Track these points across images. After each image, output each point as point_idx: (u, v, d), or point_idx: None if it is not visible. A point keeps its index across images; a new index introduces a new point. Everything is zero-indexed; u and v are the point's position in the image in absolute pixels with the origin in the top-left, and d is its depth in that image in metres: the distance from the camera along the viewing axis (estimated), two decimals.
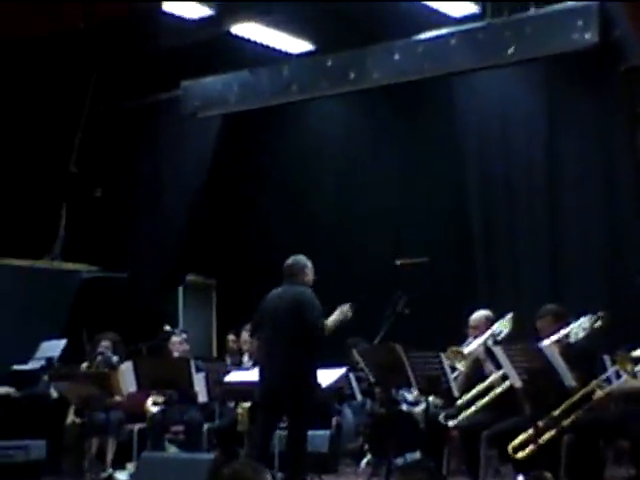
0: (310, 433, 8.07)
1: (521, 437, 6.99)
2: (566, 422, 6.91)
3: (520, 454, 6.95)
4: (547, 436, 6.88)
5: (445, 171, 11.64)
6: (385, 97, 11.67)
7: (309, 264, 8.05)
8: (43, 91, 11.88)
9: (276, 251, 12.25)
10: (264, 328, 8.03)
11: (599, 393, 7.04)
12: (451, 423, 7.77)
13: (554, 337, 7.25)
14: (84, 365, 9.82)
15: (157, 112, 12.48)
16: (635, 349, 6.72)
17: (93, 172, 12.64)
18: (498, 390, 7.73)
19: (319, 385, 8.07)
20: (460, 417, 7.77)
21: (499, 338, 8.03)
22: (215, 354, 12.87)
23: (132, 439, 9.44)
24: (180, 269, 13.14)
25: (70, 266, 12.42)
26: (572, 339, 7.36)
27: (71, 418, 9.46)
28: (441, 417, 7.84)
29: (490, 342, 7.97)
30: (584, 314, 7.44)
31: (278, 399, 7.78)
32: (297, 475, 7.76)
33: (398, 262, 8.43)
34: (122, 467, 8.51)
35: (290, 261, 8.06)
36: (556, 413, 6.93)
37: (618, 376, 6.96)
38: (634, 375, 6.69)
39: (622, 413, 7.20)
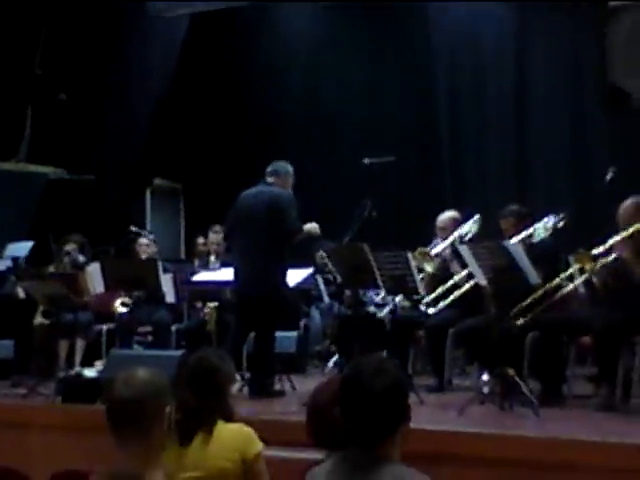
0: (278, 334, 8.18)
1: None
2: (529, 316, 7.02)
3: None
4: None
5: (415, 75, 11.61)
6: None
7: (292, 173, 8.08)
8: None
9: (243, 154, 12.26)
10: (238, 229, 8.06)
11: (562, 291, 7.16)
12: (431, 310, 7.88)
13: (518, 237, 7.32)
14: (51, 267, 9.78)
15: (123, 12, 12.22)
16: (596, 247, 6.79)
17: (58, 74, 12.42)
18: (464, 289, 7.84)
19: (288, 287, 8.14)
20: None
21: (466, 239, 8.10)
22: (183, 258, 12.87)
23: (100, 340, 9.49)
24: (147, 173, 13.06)
25: (36, 168, 12.30)
26: (536, 239, 7.43)
27: (39, 319, 9.43)
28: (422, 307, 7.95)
29: (457, 243, 8.05)
30: (548, 214, 7.52)
31: (251, 301, 7.85)
32: (265, 375, 7.86)
33: (367, 161, 8.40)
34: (91, 365, 8.55)
35: (276, 163, 8.09)
36: (519, 308, 7.02)
37: (581, 273, 7.04)
38: (594, 272, 6.78)
39: (586, 311, 7.32)
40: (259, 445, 3.96)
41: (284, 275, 7.96)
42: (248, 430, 3.97)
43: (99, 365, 8.34)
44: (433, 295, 7.99)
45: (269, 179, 8.02)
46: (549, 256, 7.30)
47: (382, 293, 9.00)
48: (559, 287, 7.20)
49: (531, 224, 7.51)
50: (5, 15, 11.66)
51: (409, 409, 2.88)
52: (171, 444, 3.76)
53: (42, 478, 4.23)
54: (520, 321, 7.00)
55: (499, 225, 7.74)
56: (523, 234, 7.39)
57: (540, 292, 7.07)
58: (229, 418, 3.99)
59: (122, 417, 2.98)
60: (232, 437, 3.91)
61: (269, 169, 8.05)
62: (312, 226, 7.99)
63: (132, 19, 12.18)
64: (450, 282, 7.97)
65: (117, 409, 2.99)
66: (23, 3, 11.80)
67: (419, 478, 2.79)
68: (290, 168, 8.10)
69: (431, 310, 7.96)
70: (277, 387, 7.98)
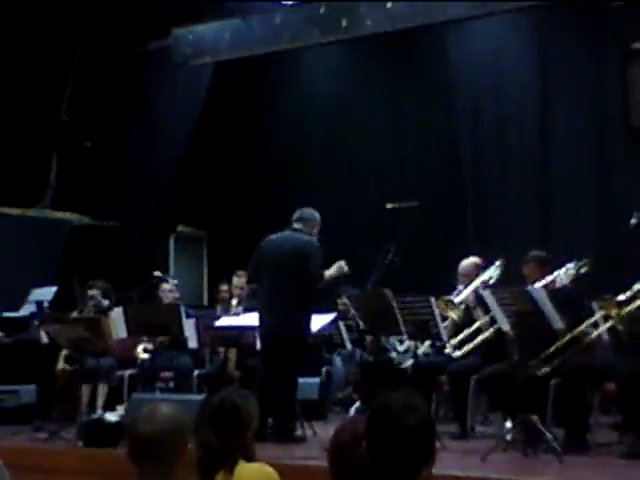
0: (300, 381, 8.19)
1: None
2: (552, 365, 6.97)
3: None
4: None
5: (437, 120, 11.61)
6: (378, 46, 11.62)
7: (319, 219, 8.11)
8: (34, 39, 11.82)
9: (267, 202, 12.30)
10: (264, 274, 8.06)
11: (586, 338, 7.11)
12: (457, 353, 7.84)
13: (540, 283, 7.29)
14: (74, 312, 9.79)
15: (148, 60, 12.41)
16: (620, 293, 6.75)
17: (84, 121, 12.56)
18: (486, 334, 7.79)
19: (311, 333, 8.14)
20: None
21: (489, 285, 8.06)
22: (206, 304, 12.89)
23: (123, 385, 9.48)
24: (170, 220, 13.13)
25: (60, 215, 12.40)
26: (558, 285, 7.40)
27: (62, 365, 9.45)
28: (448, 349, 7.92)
29: (480, 289, 8.01)
30: (571, 260, 7.49)
31: (275, 345, 7.86)
32: (287, 421, 7.83)
33: (389, 206, 8.44)
34: (112, 410, 8.55)
35: (304, 209, 8.12)
36: (543, 356, 6.98)
37: (605, 321, 6.99)
38: (620, 319, 6.73)
39: (609, 358, 7.26)
40: None
41: (308, 321, 7.96)
42: (269, 470, 3.94)
43: (120, 409, 8.34)
44: (458, 339, 7.94)
45: (296, 225, 8.04)
46: (572, 302, 7.24)
47: (405, 342, 9.00)
48: (583, 334, 7.15)
49: (553, 270, 7.48)
50: (33, 61, 11.83)
51: (435, 451, 2.84)
52: None
53: None
54: (544, 370, 6.95)
55: (522, 271, 7.71)
56: (546, 280, 7.36)
57: (564, 340, 7.02)
58: (250, 458, 3.96)
59: (145, 453, 2.96)
60: (253, 477, 3.88)
61: (296, 215, 8.07)
62: (338, 265, 7.98)
63: (157, 67, 12.33)
64: (473, 327, 7.93)
65: (140, 444, 2.97)
66: (51, 50, 11.96)
67: None
68: (317, 215, 8.12)
69: (457, 353, 7.90)
70: (298, 433, 7.93)
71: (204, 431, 3.82)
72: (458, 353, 7.91)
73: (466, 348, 7.87)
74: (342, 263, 7.99)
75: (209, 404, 4.08)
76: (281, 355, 7.82)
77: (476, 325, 7.90)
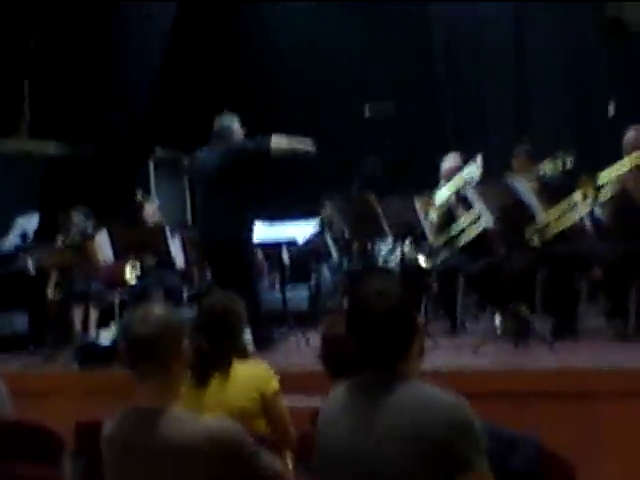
0: (289, 293, 8.29)
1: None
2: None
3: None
4: None
5: (411, 25, 11.45)
6: None
7: (235, 123, 7.93)
8: None
9: (244, 119, 12.19)
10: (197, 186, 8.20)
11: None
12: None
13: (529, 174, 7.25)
14: (59, 239, 9.74)
15: None
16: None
17: (55, 45, 12.29)
18: (471, 233, 7.81)
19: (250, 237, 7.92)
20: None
21: (472, 183, 8.03)
22: (191, 224, 12.85)
23: (113, 308, 9.49)
24: (148, 143, 13.01)
25: (37, 144, 12.26)
26: (547, 176, 7.39)
27: (52, 291, 9.44)
28: (421, 260, 7.95)
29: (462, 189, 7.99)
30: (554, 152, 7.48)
31: (215, 253, 7.82)
32: (260, 326, 7.60)
33: (367, 111, 8.39)
34: (106, 326, 8.61)
35: (220, 118, 7.98)
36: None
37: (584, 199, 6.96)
38: (595, 198, 6.75)
39: (595, 243, 7.29)
40: (276, 381, 3.99)
41: (245, 227, 7.73)
42: (264, 366, 3.99)
43: (114, 328, 8.37)
44: (441, 240, 7.98)
45: (217, 141, 7.89)
46: (562, 191, 7.19)
47: (388, 240, 9.00)
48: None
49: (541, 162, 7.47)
50: None
51: (417, 320, 2.81)
52: (188, 386, 3.79)
53: (66, 428, 4.24)
54: (535, 241, 6.97)
55: (502, 164, 7.71)
56: (534, 171, 7.33)
57: (552, 216, 7.00)
58: (244, 356, 4.02)
59: (142, 354, 3.00)
60: (250, 376, 3.93)
61: (215, 129, 7.93)
62: (303, 141, 7.66)
63: None
64: (457, 226, 7.93)
65: (136, 346, 3.02)
66: None
67: (438, 392, 2.69)
68: (235, 118, 7.96)
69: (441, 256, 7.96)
70: (275, 336, 7.95)
71: (197, 336, 3.86)
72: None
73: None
74: (308, 141, 7.64)
75: (199, 310, 4.12)
76: (222, 261, 7.69)
77: (459, 223, 7.89)
